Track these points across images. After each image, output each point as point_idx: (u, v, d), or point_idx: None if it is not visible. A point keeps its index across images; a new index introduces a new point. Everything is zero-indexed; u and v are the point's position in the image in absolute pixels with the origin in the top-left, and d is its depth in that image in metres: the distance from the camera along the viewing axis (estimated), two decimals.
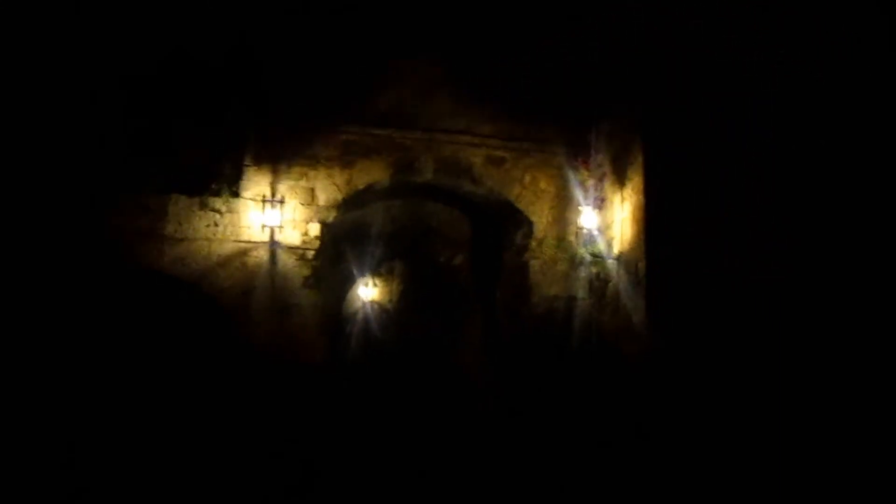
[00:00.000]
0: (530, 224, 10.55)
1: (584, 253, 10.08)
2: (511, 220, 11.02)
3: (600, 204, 9.88)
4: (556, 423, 9.87)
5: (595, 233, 9.82)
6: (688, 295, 8.40)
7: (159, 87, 9.77)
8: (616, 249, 9.66)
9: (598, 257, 9.91)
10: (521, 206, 10.58)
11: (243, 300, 9.71)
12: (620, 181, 9.62)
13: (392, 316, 19.12)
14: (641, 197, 8.81)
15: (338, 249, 12.25)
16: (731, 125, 8.61)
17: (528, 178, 10.63)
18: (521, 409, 10.46)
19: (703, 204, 8.53)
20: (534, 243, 10.47)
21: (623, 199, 9.52)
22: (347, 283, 17.81)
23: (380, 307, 19.72)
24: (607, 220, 9.87)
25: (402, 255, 13.72)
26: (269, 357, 9.53)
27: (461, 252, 12.92)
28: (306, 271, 9.95)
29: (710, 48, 8.61)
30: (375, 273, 18.70)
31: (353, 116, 10.23)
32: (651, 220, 8.62)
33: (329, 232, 10.58)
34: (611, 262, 9.74)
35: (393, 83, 10.33)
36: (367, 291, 19.19)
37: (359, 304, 19.42)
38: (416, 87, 10.36)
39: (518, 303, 10.81)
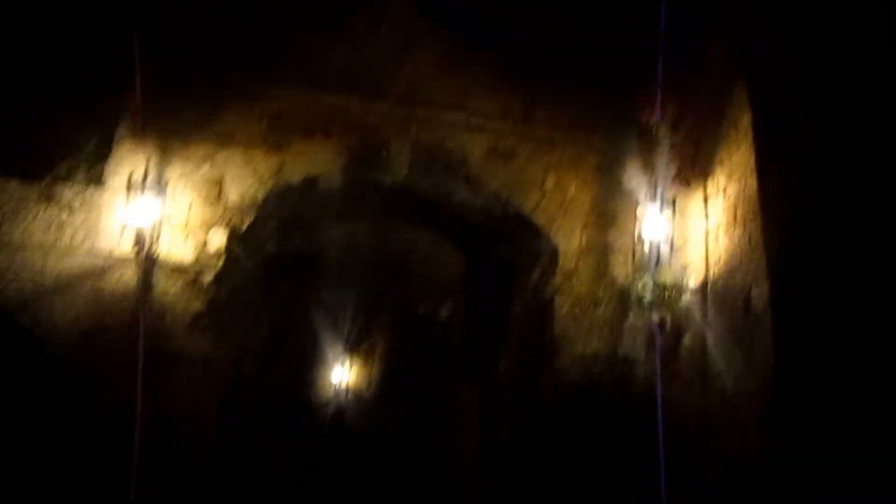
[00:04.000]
0: (554, 248, 6.89)
1: (642, 287, 6.36)
2: (524, 244, 7.38)
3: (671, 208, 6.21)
4: None
5: (662, 252, 6.10)
6: (840, 342, 4.66)
7: None
8: (697, 278, 5.96)
9: (666, 291, 6.18)
10: (539, 220, 6.97)
11: (89, 344, 5.96)
12: (702, 168, 6.04)
13: (369, 405, 15.23)
14: (751, 182, 5.22)
15: (274, 290, 8.53)
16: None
17: (550, 181, 7.05)
18: None
19: (854, 186, 4.91)
20: (559, 277, 6.77)
21: (709, 196, 5.91)
22: (312, 360, 14.03)
23: (355, 395, 15.87)
24: (679, 235, 6.21)
25: (365, 306, 9.91)
26: (120, 442, 5.69)
27: (449, 300, 9.17)
28: (198, 304, 6.24)
29: None
30: (351, 350, 14.97)
31: (289, 75, 6.79)
32: (775, 215, 4.98)
33: (246, 249, 6.93)
34: (688, 301, 6.02)
35: (351, 28, 6.96)
36: (340, 375, 15.38)
37: (330, 391, 15.58)
38: (386, 32, 6.98)
39: (534, 369, 7.02)
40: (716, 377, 5.57)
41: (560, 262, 6.82)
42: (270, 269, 8.05)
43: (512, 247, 7.65)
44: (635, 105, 6.86)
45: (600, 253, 6.88)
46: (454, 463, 10.11)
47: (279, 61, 6.78)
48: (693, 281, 6.05)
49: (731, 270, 5.41)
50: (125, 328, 6.02)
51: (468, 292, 9.00)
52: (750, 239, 5.14)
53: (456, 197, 7.31)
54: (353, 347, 13.55)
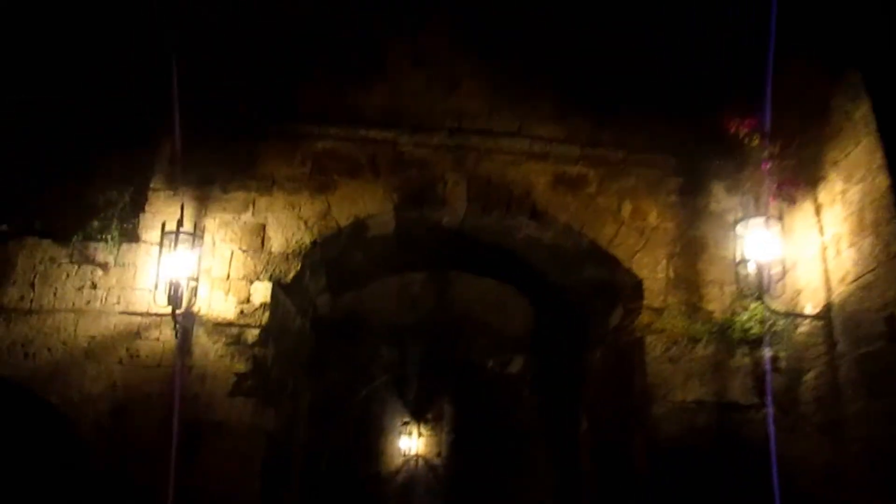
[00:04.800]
0: (637, 282, 6.04)
1: (747, 319, 5.43)
2: (600, 282, 6.55)
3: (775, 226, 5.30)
4: None
5: (769, 276, 5.18)
6: None
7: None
8: (816, 303, 5.01)
9: (778, 322, 5.24)
10: (618, 253, 6.14)
11: (121, 420, 5.34)
12: (809, 175, 5.17)
13: (441, 475, 14.23)
14: (881, 179, 4.35)
15: (328, 351, 7.84)
16: None
17: (626, 209, 6.27)
18: None
19: None
20: (646, 315, 5.89)
21: (823, 205, 5.02)
22: (373, 427, 13.23)
23: (426, 463, 14.87)
24: (788, 254, 5.30)
25: (428, 365, 9.09)
26: None
27: (519, 354, 8.32)
28: (241, 365, 5.60)
29: None
30: (420, 418, 14.13)
31: (330, 113, 6.28)
32: None
33: (294, 302, 6.31)
34: (807, 331, 5.07)
35: (393, 65, 6.44)
36: (410, 443, 14.45)
37: (398, 460, 14.62)
38: (431, 69, 6.43)
39: (623, 424, 6.07)
40: (851, 424, 4.57)
41: (645, 298, 5.94)
42: (323, 328, 7.39)
43: (586, 286, 6.81)
44: (717, 120, 6.05)
45: (692, 284, 6.00)
46: None
47: (319, 101, 6.29)
48: (811, 307, 5.10)
49: (863, 289, 4.47)
50: (162, 397, 5.40)
51: (539, 344, 8.15)
52: (887, 247, 4.21)
53: (521, 233, 6.58)
54: (419, 412, 12.68)
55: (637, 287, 6.05)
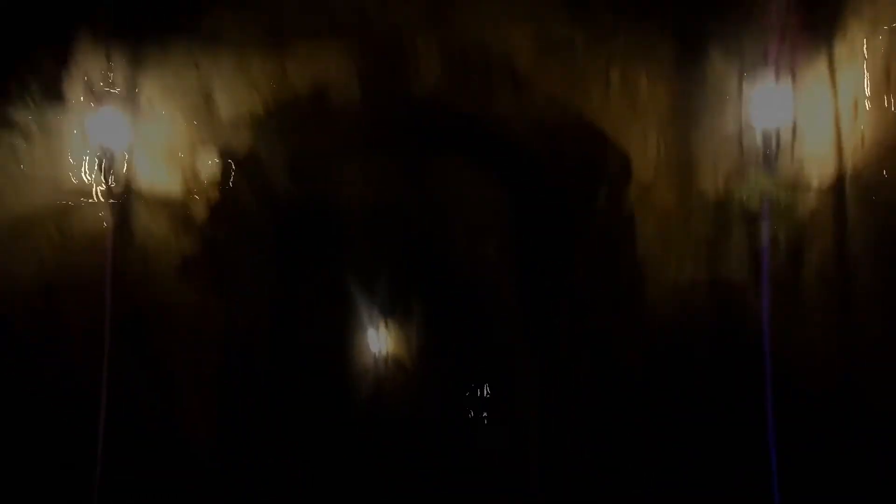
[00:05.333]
0: (626, 159, 5.50)
1: (747, 194, 4.95)
2: (585, 159, 6.01)
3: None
4: None
5: (774, 144, 4.67)
6: None
7: None
8: (825, 174, 4.53)
9: (782, 196, 4.77)
10: (604, 126, 5.58)
11: (51, 305, 4.79)
12: (823, 27, 4.58)
13: (413, 375, 14.00)
14: None
15: (292, 242, 7.26)
16: None
17: (615, 76, 5.65)
18: None
19: None
20: (635, 192, 5.39)
21: (839, 61, 4.45)
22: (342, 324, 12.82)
23: (396, 363, 14.62)
24: (796, 119, 4.77)
25: (402, 257, 8.59)
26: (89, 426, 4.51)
27: (497, 243, 7.85)
28: (189, 245, 5.04)
29: None
30: (387, 314, 13.70)
31: None
32: None
33: (249, 181, 5.70)
34: (813, 206, 4.61)
35: None
36: (380, 342, 14.11)
37: (368, 359, 14.33)
38: None
39: (612, 309, 5.67)
40: (861, 306, 4.16)
41: (634, 174, 5.44)
42: (286, 215, 6.80)
43: (570, 165, 6.28)
44: None
45: (686, 159, 5.48)
46: (511, 436, 8.86)
47: None
48: (819, 178, 4.61)
49: (884, 153, 3.98)
50: (100, 280, 4.83)
51: (519, 232, 7.67)
52: None
53: (500, 104, 5.96)
54: (390, 309, 12.28)
55: (625, 163, 5.54)
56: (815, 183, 4.61)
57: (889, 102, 3.95)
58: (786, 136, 4.66)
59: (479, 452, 11.00)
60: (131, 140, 4.89)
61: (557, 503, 6.81)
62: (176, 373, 4.80)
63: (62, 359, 4.62)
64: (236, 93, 5.25)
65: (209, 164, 5.14)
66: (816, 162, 4.61)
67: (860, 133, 4.20)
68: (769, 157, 4.64)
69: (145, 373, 4.69)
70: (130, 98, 4.89)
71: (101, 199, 4.88)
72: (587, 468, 6.05)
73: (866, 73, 4.16)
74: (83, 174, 4.86)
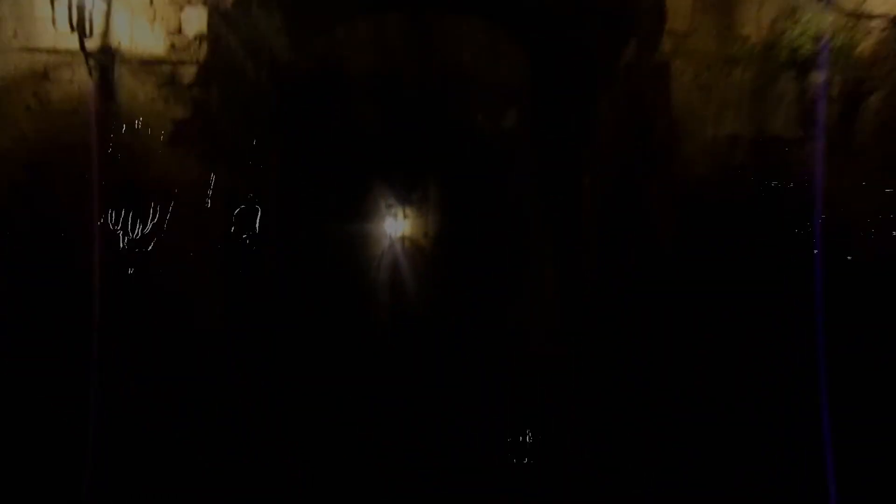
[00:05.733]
0: (658, 4, 4.87)
1: (798, 35, 4.39)
2: (612, 10, 5.38)
3: None
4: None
5: None
6: None
7: None
8: (891, 6, 3.95)
9: (837, 37, 4.21)
10: None
11: (35, 178, 4.43)
12: None
13: (429, 256, 13.71)
14: None
15: (288, 113, 6.75)
16: None
17: None
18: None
19: None
20: (670, 41, 4.80)
21: None
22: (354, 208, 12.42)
23: (413, 245, 14.35)
24: None
25: (414, 128, 8.07)
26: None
27: (513, 108, 7.30)
28: (179, 110, 4.60)
29: None
30: (405, 200, 13.27)
31: None
32: None
33: (241, 37, 5.18)
34: (874, 46, 4.06)
35: None
36: (395, 225, 13.78)
37: (384, 243, 14.05)
38: None
39: (638, 175, 5.21)
40: None
41: (668, 21, 4.83)
42: (286, 80, 6.28)
43: (594, 17, 5.66)
44: None
45: (723, 8, 4.85)
46: (524, 317, 8.62)
47: None
48: (881, 18, 4.04)
49: None
50: (85, 149, 4.45)
51: (536, 95, 7.11)
52: None
53: None
54: (404, 192, 11.84)
55: (657, 7, 4.91)
56: (877, 21, 4.06)
57: None
58: None
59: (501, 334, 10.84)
60: None
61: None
62: (173, 251, 4.48)
63: (51, 237, 4.30)
64: None
65: (194, 20, 4.60)
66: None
67: None
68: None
69: (139, 253, 4.37)
70: None
71: (81, 62, 4.40)
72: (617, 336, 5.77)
73: None
74: (58, 34, 4.37)
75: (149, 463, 4.28)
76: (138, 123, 4.52)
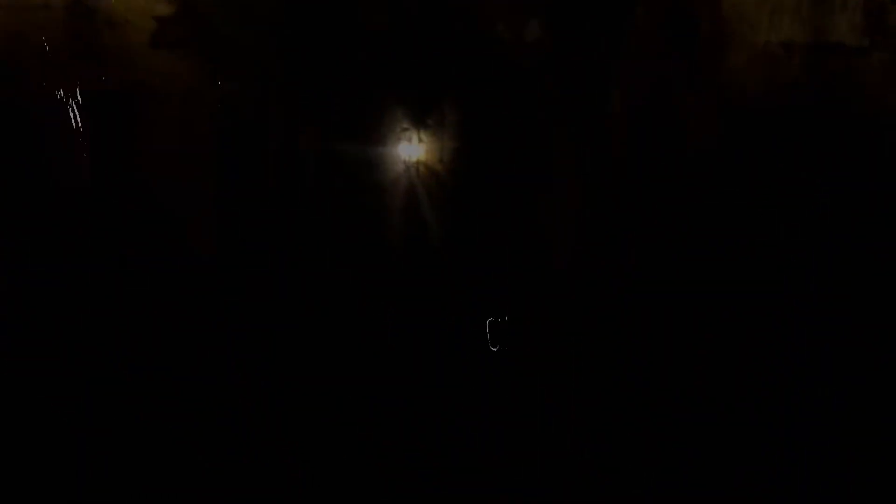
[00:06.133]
0: None
1: None
2: None
3: None
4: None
5: None
6: None
7: None
8: None
9: None
10: None
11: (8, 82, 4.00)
12: None
13: (446, 184, 13.19)
14: None
15: (294, 21, 6.16)
16: None
17: None
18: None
19: None
20: None
21: None
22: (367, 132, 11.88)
23: (428, 170, 13.86)
24: None
25: (428, 45, 7.43)
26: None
27: (535, 18, 6.67)
28: (163, 7, 4.11)
29: None
30: (419, 123, 12.67)
31: None
32: None
33: None
34: None
35: None
36: (410, 149, 13.25)
37: (399, 167, 13.57)
38: None
39: (677, 92, 4.67)
40: None
41: None
42: None
43: None
44: None
45: None
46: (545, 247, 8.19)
47: None
48: None
49: None
50: (58, 50, 3.99)
51: (561, 4, 6.48)
52: None
53: None
54: (418, 115, 11.28)
55: None
56: None
57: None
58: None
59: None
60: None
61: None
62: (160, 166, 4.07)
63: (21, 148, 3.90)
64: None
65: None
66: None
67: None
68: None
69: (123, 165, 3.97)
70: None
71: None
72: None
73: None
74: None
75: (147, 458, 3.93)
76: (116, 20, 4.04)
